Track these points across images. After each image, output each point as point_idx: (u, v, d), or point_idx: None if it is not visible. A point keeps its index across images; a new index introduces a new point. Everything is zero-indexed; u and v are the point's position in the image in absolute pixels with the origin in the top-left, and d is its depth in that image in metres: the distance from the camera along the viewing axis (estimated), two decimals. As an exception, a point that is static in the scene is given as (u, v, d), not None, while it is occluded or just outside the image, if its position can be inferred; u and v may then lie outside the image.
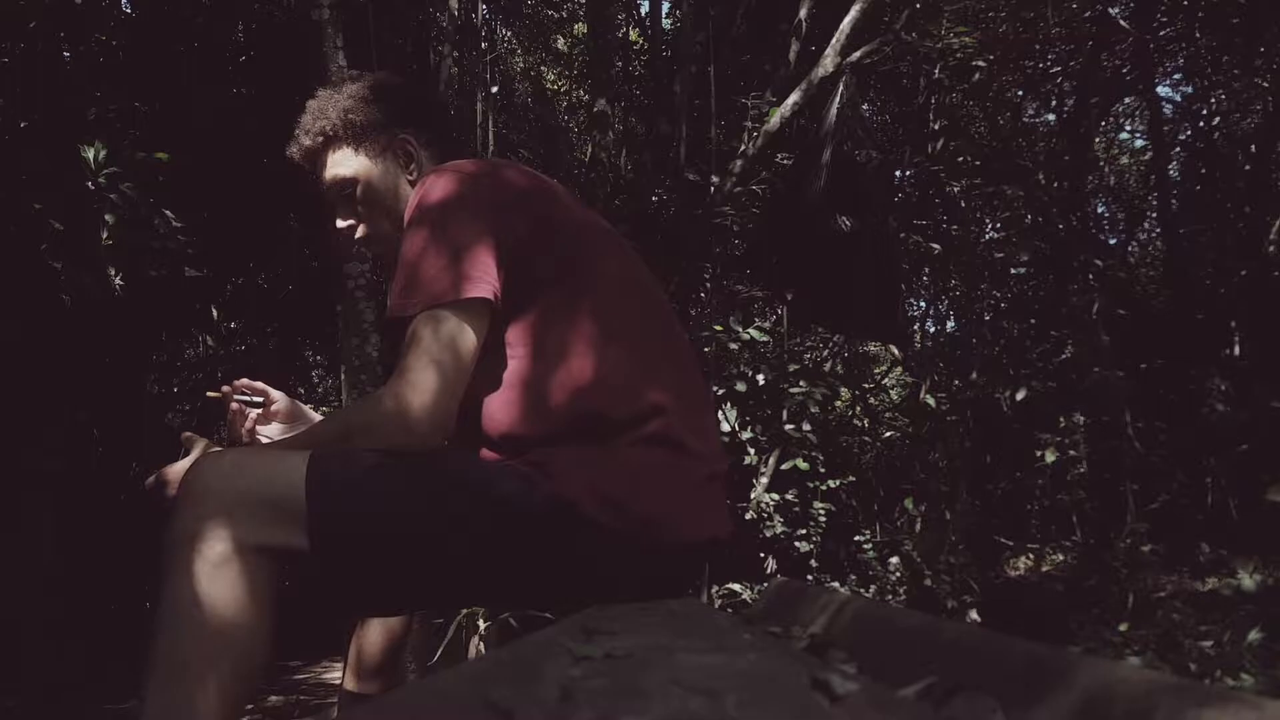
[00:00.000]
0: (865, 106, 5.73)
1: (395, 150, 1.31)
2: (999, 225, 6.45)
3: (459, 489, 1.06)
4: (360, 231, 1.32)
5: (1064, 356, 5.92)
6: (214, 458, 1.04)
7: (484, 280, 1.09)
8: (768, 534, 4.83)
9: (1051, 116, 8.90)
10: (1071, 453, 5.36)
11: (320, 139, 1.31)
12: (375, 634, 1.41)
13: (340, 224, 1.32)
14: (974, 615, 4.75)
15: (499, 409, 1.14)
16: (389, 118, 1.32)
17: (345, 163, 1.30)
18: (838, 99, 4.90)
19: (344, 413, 1.28)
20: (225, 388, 1.46)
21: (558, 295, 1.14)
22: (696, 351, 4.00)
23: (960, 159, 6.14)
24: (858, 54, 5.10)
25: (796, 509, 4.95)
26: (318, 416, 1.49)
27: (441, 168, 1.21)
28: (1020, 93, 8.20)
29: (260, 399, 1.46)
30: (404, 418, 1.05)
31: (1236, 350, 6.88)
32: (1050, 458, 5.21)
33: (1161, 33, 7.88)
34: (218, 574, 0.96)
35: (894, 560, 5.00)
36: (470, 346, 1.09)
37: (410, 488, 1.05)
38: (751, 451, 4.83)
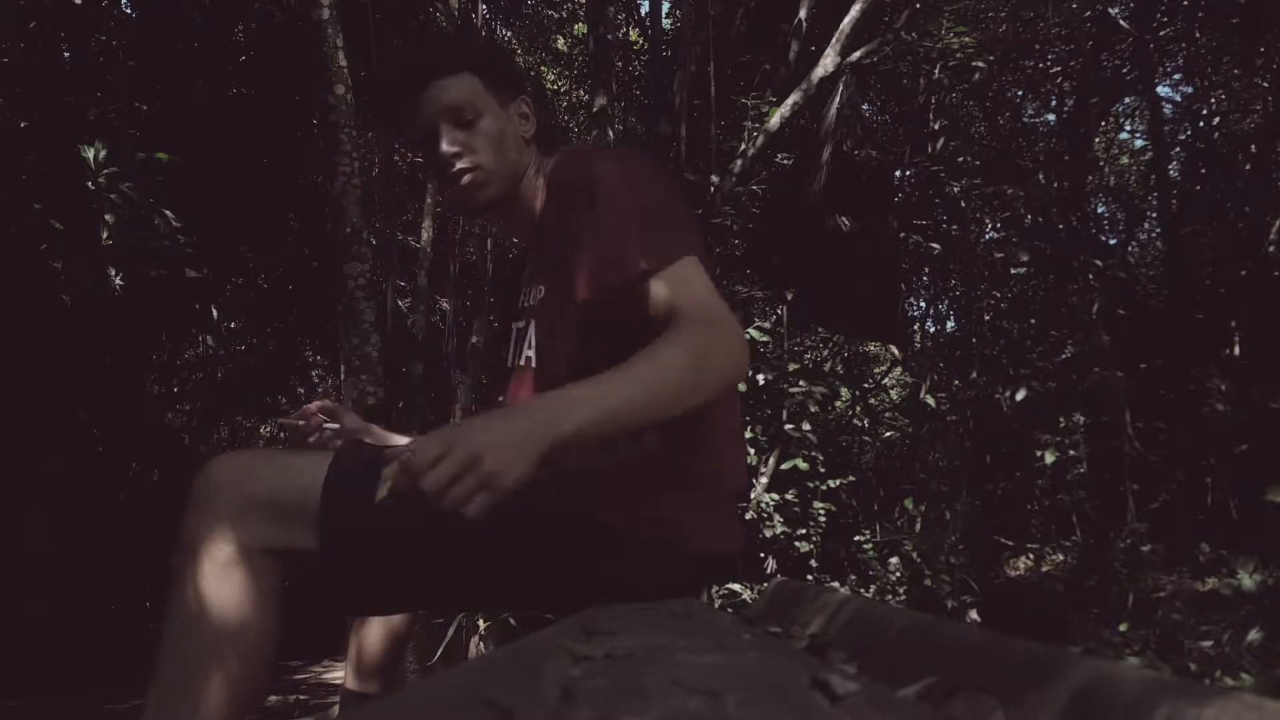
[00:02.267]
0: (865, 106, 5.73)
1: (518, 107, 1.28)
2: (999, 225, 6.45)
3: None
4: (468, 161, 1.21)
5: (1064, 356, 5.92)
6: (225, 460, 1.04)
7: (700, 245, 1.10)
8: (768, 534, 4.83)
9: (1051, 116, 8.91)
10: (1071, 453, 5.36)
11: (458, 61, 1.24)
12: (376, 633, 1.42)
13: (447, 147, 1.21)
14: (974, 615, 4.75)
15: None
16: (518, 78, 1.30)
17: (476, 93, 1.22)
18: (838, 99, 4.90)
19: (668, 348, 0.96)
20: (305, 414, 1.40)
21: None
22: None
23: (960, 159, 6.14)
24: (858, 54, 5.11)
25: (796, 509, 4.94)
26: (395, 437, 1.41)
27: (623, 150, 1.24)
28: (1020, 93, 8.21)
29: (336, 425, 1.41)
30: (735, 340, 1.00)
31: (1236, 350, 6.88)
32: (1050, 458, 5.21)
33: (1161, 33, 7.87)
34: (226, 575, 0.97)
35: (894, 560, 5.00)
36: None
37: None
38: (751, 451, 4.83)
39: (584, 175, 1.14)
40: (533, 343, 1.23)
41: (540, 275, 1.25)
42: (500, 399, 1.31)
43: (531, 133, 1.28)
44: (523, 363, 1.24)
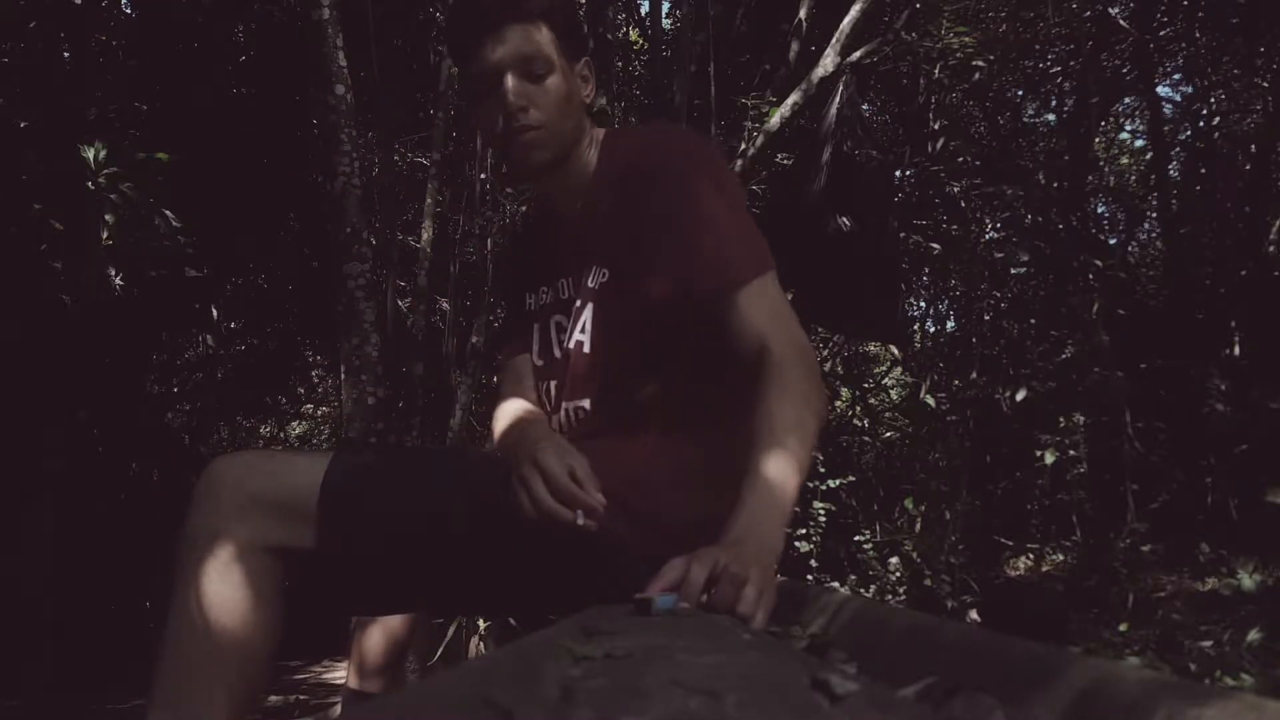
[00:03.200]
0: (865, 106, 5.73)
1: (582, 68, 1.20)
2: (999, 225, 6.45)
3: (471, 489, 1.06)
4: (532, 117, 1.12)
5: (1064, 356, 5.92)
6: (227, 459, 1.04)
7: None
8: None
9: (1051, 116, 8.90)
10: (1071, 453, 5.36)
11: (537, 9, 1.14)
12: (379, 632, 1.42)
13: (514, 99, 1.11)
14: (974, 615, 4.75)
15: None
16: (585, 37, 1.25)
17: (549, 46, 1.14)
18: (838, 99, 4.90)
19: (787, 415, 0.97)
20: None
21: None
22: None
23: (960, 159, 6.14)
24: (858, 54, 5.10)
25: (796, 509, 4.94)
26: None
27: (702, 138, 1.19)
28: (1020, 93, 8.20)
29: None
30: (817, 369, 1.05)
31: (1236, 350, 6.88)
32: (1050, 458, 5.21)
33: (1161, 33, 7.88)
34: (228, 573, 0.97)
35: (894, 560, 5.00)
36: None
37: (423, 488, 1.05)
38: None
39: (669, 161, 1.10)
40: (588, 328, 1.16)
41: (599, 257, 1.17)
42: (546, 384, 1.24)
43: (589, 99, 1.21)
44: (571, 346, 1.17)
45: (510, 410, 1.20)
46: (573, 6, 1.25)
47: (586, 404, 1.17)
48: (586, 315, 1.16)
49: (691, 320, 1.08)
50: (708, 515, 0.96)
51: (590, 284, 1.17)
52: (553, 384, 1.22)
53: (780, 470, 0.94)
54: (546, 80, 1.13)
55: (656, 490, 1.08)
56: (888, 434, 6.22)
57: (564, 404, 1.19)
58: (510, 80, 1.11)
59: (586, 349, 1.16)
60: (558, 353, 1.22)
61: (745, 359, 1.04)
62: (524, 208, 1.43)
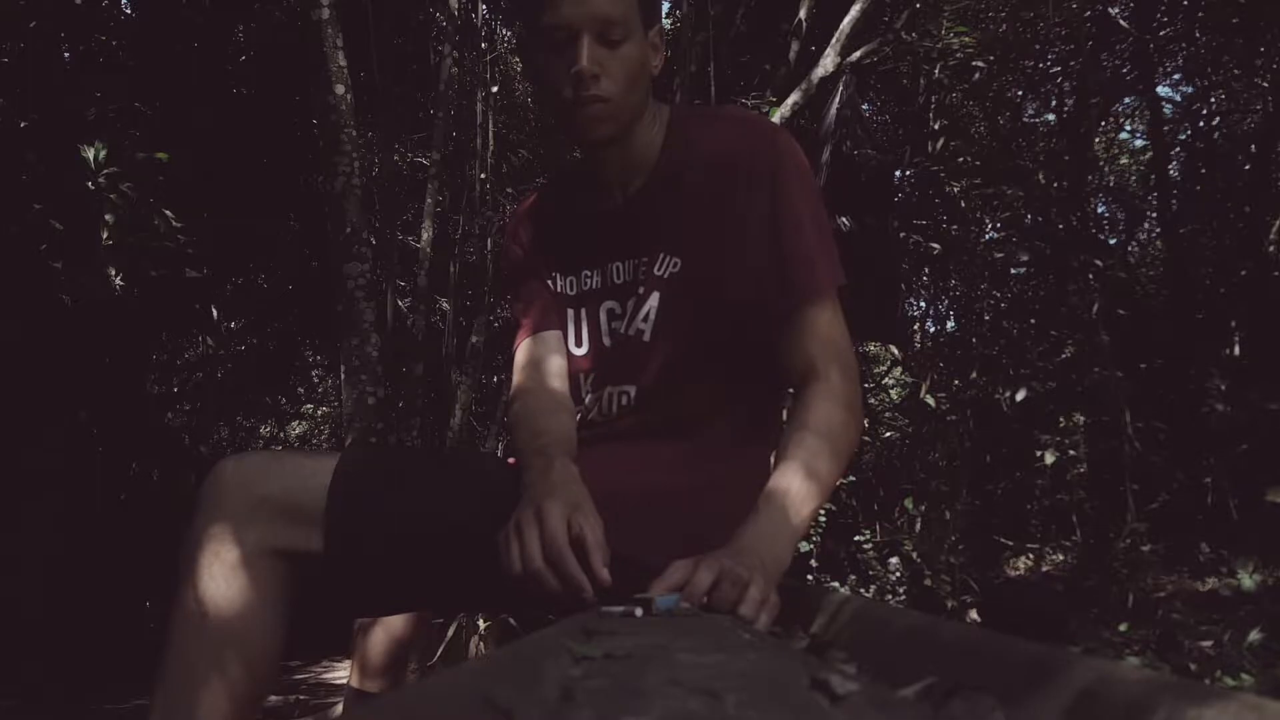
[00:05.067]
0: (865, 106, 5.73)
1: (654, 37, 1.10)
2: (999, 225, 6.45)
3: (480, 491, 1.06)
4: (604, 87, 1.03)
5: (1064, 356, 5.92)
6: (234, 461, 1.03)
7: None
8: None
9: (1051, 116, 8.90)
10: (1071, 453, 5.36)
11: None
12: (383, 632, 1.42)
13: (587, 64, 1.01)
14: (974, 615, 4.75)
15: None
16: (659, 7, 1.15)
17: (630, 10, 1.04)
18: (838, 99, 4.90)
19: (820, 433, 0.97)
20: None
21: None
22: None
23: (960, 159, 6.14)
24: (858, 54, 5.10)
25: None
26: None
27: (788, 135, 1.12)
28: (1020, 93, 8.21)
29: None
30: (858, 407, 1.02)
31: (1236, 350, 6.88)
32: (1050, 458, 5.21)
33: (1161, 33, 7.88)
34: (233, 576, 0.97)
35: (894, 560, 5.00)
36: None
37: (430, 491, 1.05)
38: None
39: (760, 157, 1.06)
40: (650, 317, 1.10)
41: (671, 245, 1.10)
42: (586, 372, 1.17)
43: (658, 69, 1.11)
44: (630, 333, 1.12)
45: (536, 414, 1.11)
46: None
47: (632, 391, 1.12)
48: (652, 303, 1.10)
49: (758, 325, 1.06)
50: (731, 528, 0.94)
51: (659, 272, 1.10)
52: (594, 373, 1.16)
53: (802, 487, 0.93)
54: (622, 47, 1.04)
55: (687, 499, 1.06)
56: (888, 434, 6.22)
57: (607, 388, 1.14)
58: (586, 43, 1.01)
59: (646, 338, 1.10)
60: (608, 340, 1.15)
61: (794, 371, 1.04)
62: (536, 192, 1.33)
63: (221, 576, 0.96)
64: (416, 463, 1.10)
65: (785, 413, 1.06)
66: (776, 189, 1.04)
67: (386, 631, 1.42)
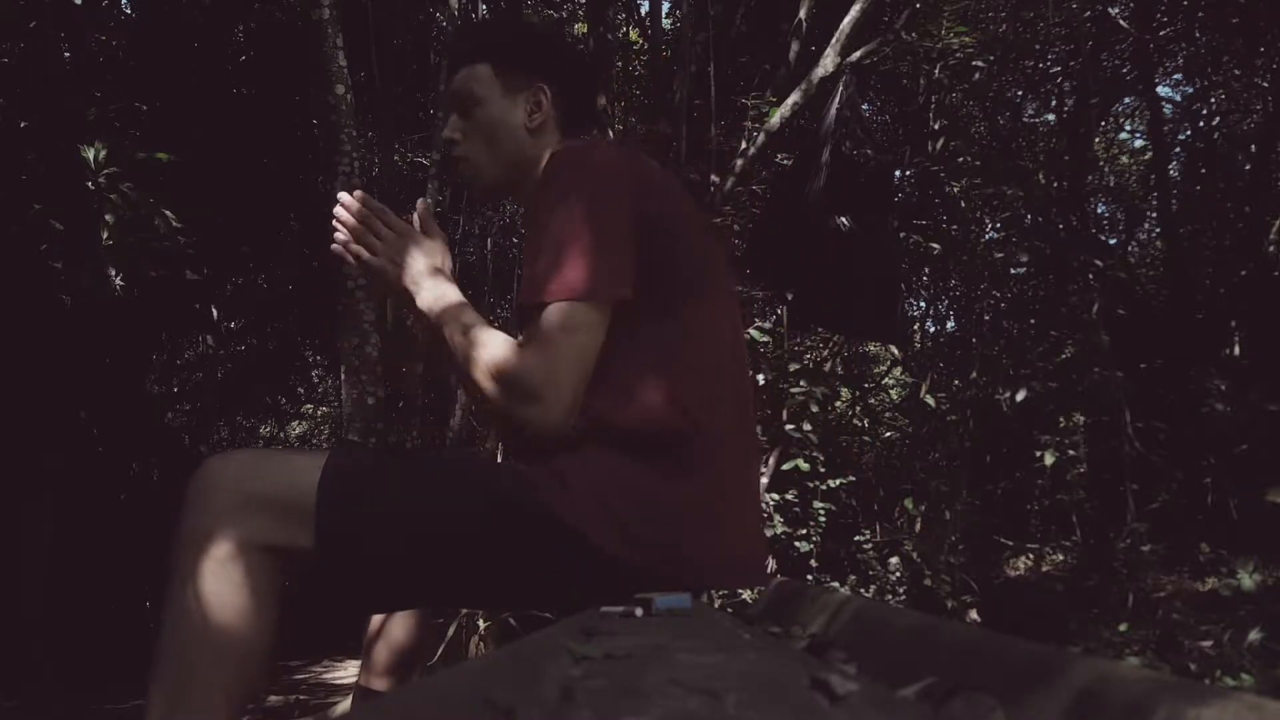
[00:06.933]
0: (865, 106, 5.73)
1: (529, 95, 1.28)
2: (999, 225, 6.45)
3: (467, 488, 1.06)
4: (459, 150, 1.29)
5: (1064, 356, 5.92)
6: (223, 458, 1.05)
7: (624, 279, 1.07)
8: (768, 534, 4.83)
9: (1051, 116, 8.90)
10: (1071, 453, 5.36)
11: (472, 47, 1.30)
12: (391, 631, 1.42)
13: (448, 133, 1.30)
14: (974, 615, 4.75)
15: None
16: (537, 63, 1.29)
17: (481, 81, 1.27)
18: (838, 99, 4.90)
19: (490, 355, 1.08)
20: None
21: (656, 307, 1.12)
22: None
23: (960, 159, 6.14)
24: (858, 54, 5.10)
25: (796, 509, 4.95)
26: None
27: (593, 143, 1.19)
28: (1020, 93, 8.20)
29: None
30: (541, 395, 1.03)
31: (1236, 350, 6.88)
32: (1050, 458, 5.21)
33: (1161, 33, 7.87)
34: (223, 572, 0.98)
35: (894, 560, 5.00)
36: (597, 347, 1.06)
37: (416, 491, 1.06)
38: (751, 451, 4.82)
39: (546, 180, 1.15)
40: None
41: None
42: None
43: (540, 121, 1.27)
44: None
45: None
46: (518, 38, 1.34)
47: None
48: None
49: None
50: (655, 539, 1.02)
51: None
52: None
53: (459, 330, 1.11)
54: (475, 114, 1.27)
55: (597, 514, 1.07)
56: (888, 434, 6.22)
57: None
58: (450, 116, 1.30)
59: None
60: None
61: None
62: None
63: (212, 574, 0.97)
64: (406, 461, 1.11)
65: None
66: (542, 206, 1.12)
67: (395, 631, 1.42)
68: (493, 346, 1.07)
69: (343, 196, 1.25)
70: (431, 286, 1.17)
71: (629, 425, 1.07)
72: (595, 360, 1.06)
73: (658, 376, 1.09)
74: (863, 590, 4.94)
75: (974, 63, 5.62)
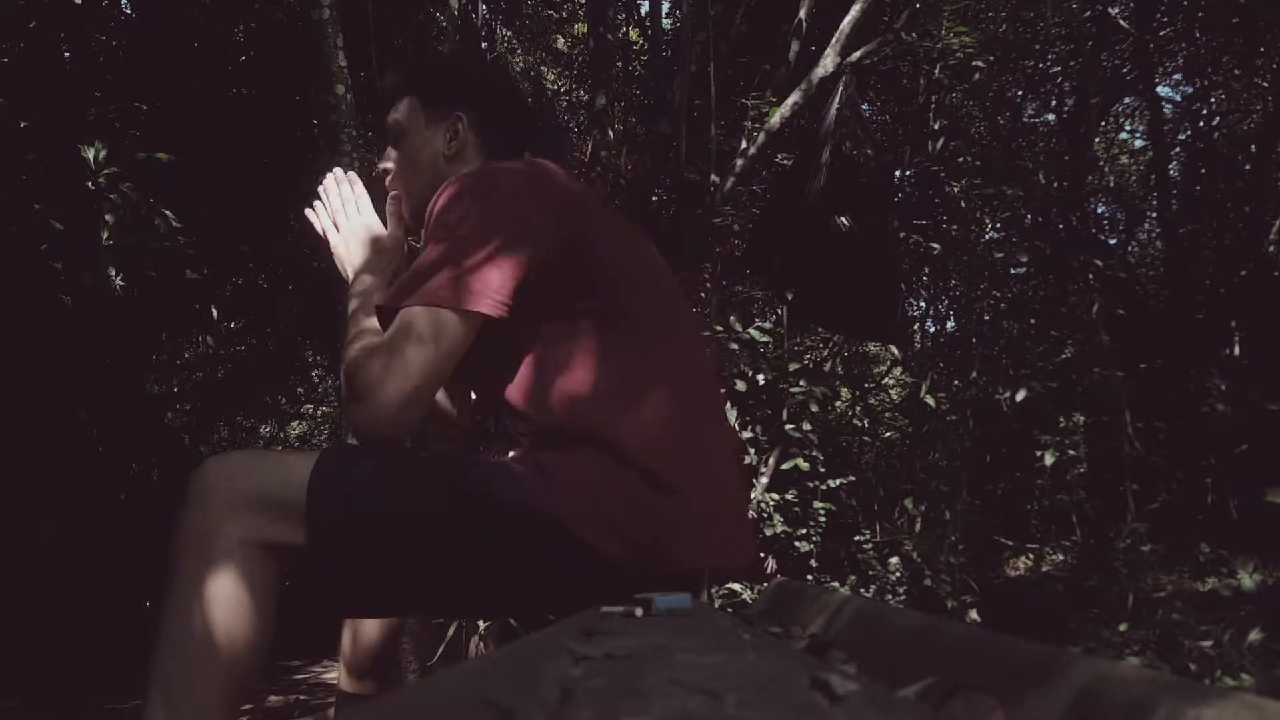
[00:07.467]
0: (865, 106, 5.73)
1: (451, 124, 1.31)
2: (999, 225, 6.45)
3: (454, 493, 1.06)
4: (392, 181, 1.36)
5: (1064, 356, 5.92)
6: (219, 458, 1.06)
7: (488, 296, 1.05)
8: (768, 534, 4.83)
9: (1051, 116, 8.90)
10: (1071, 453, 5.36)
11: (401, 81, 1.36)
12: (366, 634, 1.41)
13: (382, 164, 1.37)
14: (974, 615, 4.75)
15: (529, 397, 1.13)
16: (457, 92, 1.33)
17: (405, 114, 1.34)
18: (837, 99, 4.89)
19: (349, 352, 1.10)
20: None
21: (590, 308, 1.12)
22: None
23: (960, 159, 6.14)
24: (858, 54, 5.10)
25: (796, 509, 4.95)
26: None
27: (482, 170, 1.18)
28: (1020, 93, 8.20)
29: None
30: (367, 397, 1.04)
31: (1236, 350, 6.88)
32: (1050, 458, 5.21)
33: (1161, 33, 7.87)
34: (221, 570, 0.98)
35: (894, 560, 5.00)
36: (450, 356, 1.05)
37: (409, 490, 1.06)
38: (751, 451, 4.83)
39: (439, 206, 1.17)
40: None
41: None
42: None
43: (458, 148, 1.30)
44: None
45: None
46: (438, 69, 1.40)
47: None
48: None
49: None
50: (639, 535, 1.03)
51: None
52: None
53: (363, 313, 1.17)
54: (402, 144, 1.34)
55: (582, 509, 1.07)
56: (888, 434, 6.22)
57: None
58: (387, 148, 1.37)
59: None
60: None
61: None
62: None
63: (210, 572, 0.98)
64: (398, 462, 1.11)
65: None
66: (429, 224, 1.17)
67: (371, 634, 1.41)
68: (356, 345, 1.10)
69: (336, 172, 1.37)
70: (363, 280, 1.24)
71: (600, 431, 1.06)
72: (447, 369, 1.06)
73: (625, 382, 1.09)
74: (863, 590, 4.94)
75: (974, 63, 5.61)
